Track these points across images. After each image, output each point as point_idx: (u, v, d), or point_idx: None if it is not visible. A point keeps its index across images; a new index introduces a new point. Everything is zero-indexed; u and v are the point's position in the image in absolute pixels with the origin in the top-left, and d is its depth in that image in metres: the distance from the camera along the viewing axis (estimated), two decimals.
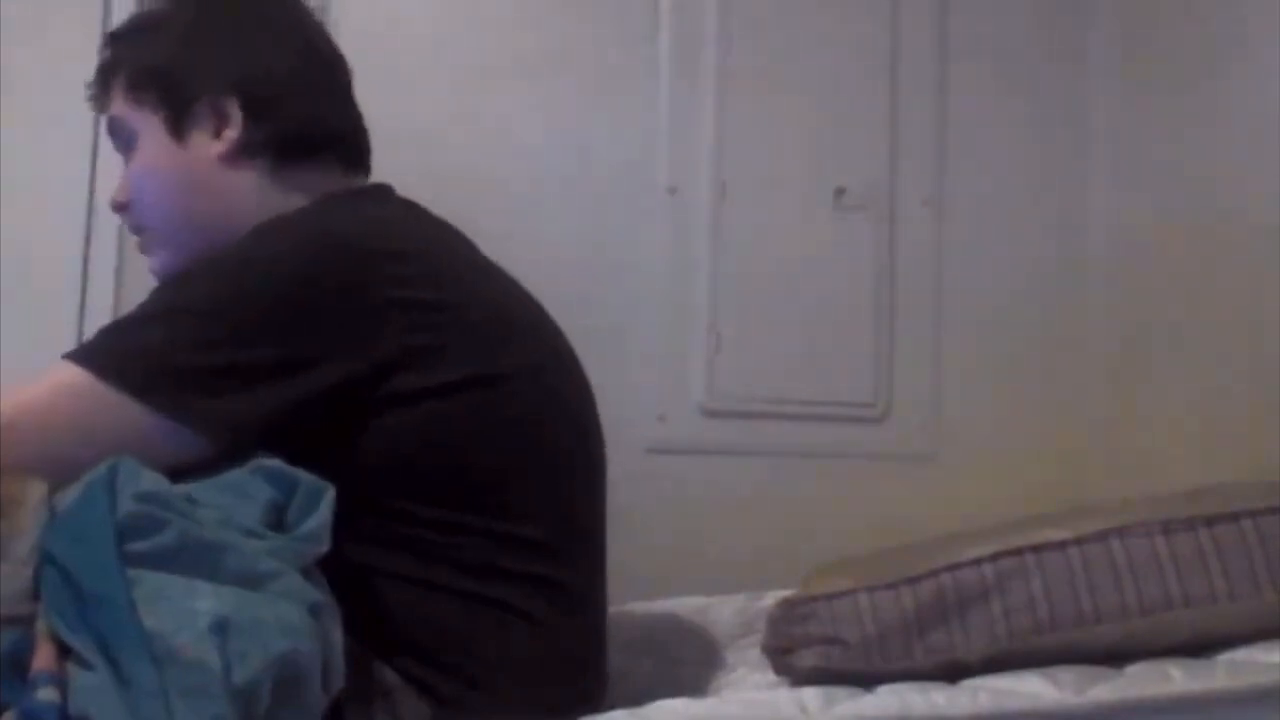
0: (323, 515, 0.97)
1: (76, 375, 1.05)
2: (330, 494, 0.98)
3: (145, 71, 1.28)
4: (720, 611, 1.53)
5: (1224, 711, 1.01)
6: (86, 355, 1.07)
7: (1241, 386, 1.92)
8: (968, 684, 1.02)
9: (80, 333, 1.88)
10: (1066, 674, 1.01)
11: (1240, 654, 1.07)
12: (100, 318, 1.86)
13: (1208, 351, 1.95)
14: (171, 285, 1.17)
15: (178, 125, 1.27)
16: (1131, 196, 2.02)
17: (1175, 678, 1.03)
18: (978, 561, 1.02)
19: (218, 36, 1.30)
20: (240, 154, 1.27)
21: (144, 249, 1.33)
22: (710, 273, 1.97)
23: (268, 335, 1.06)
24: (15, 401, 1.05)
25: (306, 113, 1.30)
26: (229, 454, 1.03)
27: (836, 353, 1.99)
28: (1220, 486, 1.19)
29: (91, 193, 1.89)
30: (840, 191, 2.00)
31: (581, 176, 1.97)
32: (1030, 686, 0.99)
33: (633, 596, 1.49)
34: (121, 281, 1.88)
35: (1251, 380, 1.88)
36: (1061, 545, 1.07)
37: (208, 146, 1.27)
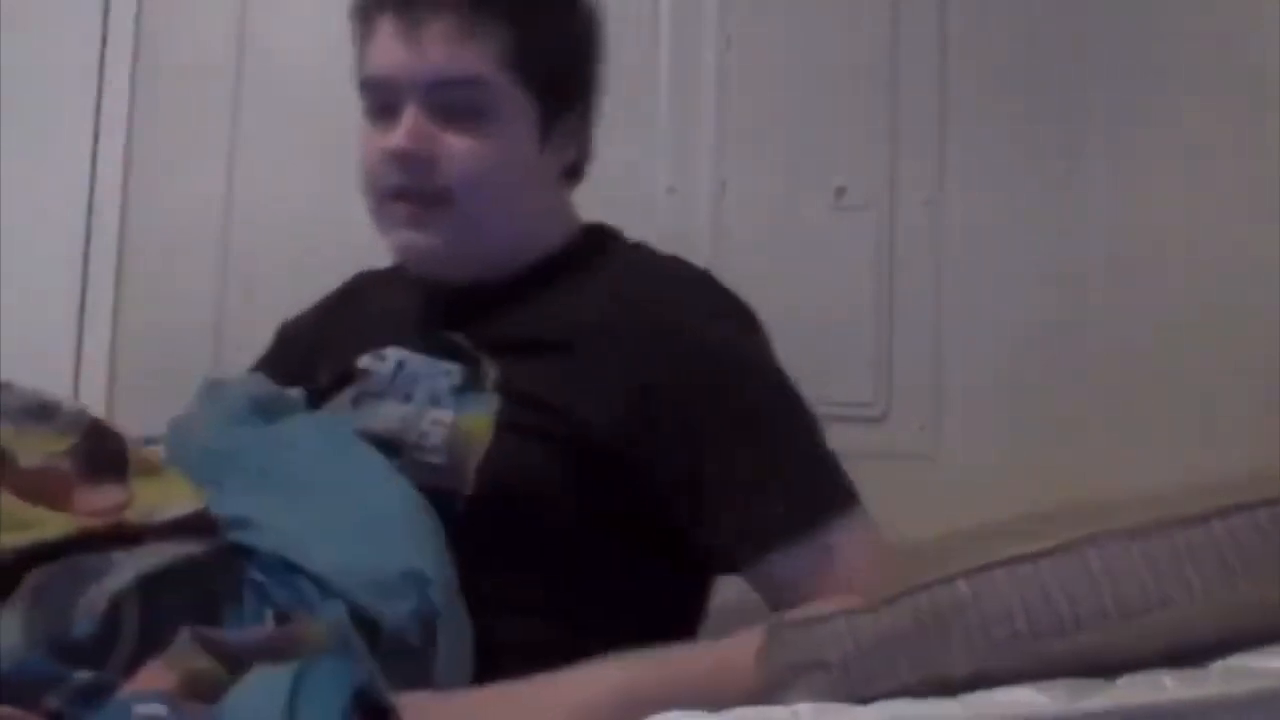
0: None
1: (862, 526, 1.17)
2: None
3: (546, 55, 1.19)
4: (719, 612, 1.53)
5: (1219, 719, 1.01)
6: (843, 501, 1.17)
7: (1241, 387, 1.92)
8: (961, 697, 1.02)
9: (80, 332, 1.88)
10: (1058, 685, 1.02)
11: (1234, 660, 1.07)
12: (100, 317, 1.87)
13: (1208, 350, 1.95)
14: (778, 407, 1.22)
15: (548, 126, 1.20)
16: (1131, 196, 2.02)
17: (1169, 686, 1.03)
18: (951, 579, 1.03)
19: (592, 51, 1.26)
20: (568, 175, 1.26)
21: (416, 220, 1.16)
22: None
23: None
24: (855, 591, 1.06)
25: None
26: None
27: (836, 353, 1.99)
28: (1218, 486, 1.19)
29: (92, 192, 1.89)
30: (840, 191, 2.00)
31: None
32: (1022, 696, 1.00)
33: None
34: (122, 281, 1.88)
35: (1251, 381, 1.88)
36: (1034, 558, 1.07)
37: (555, 158, 1.23)
